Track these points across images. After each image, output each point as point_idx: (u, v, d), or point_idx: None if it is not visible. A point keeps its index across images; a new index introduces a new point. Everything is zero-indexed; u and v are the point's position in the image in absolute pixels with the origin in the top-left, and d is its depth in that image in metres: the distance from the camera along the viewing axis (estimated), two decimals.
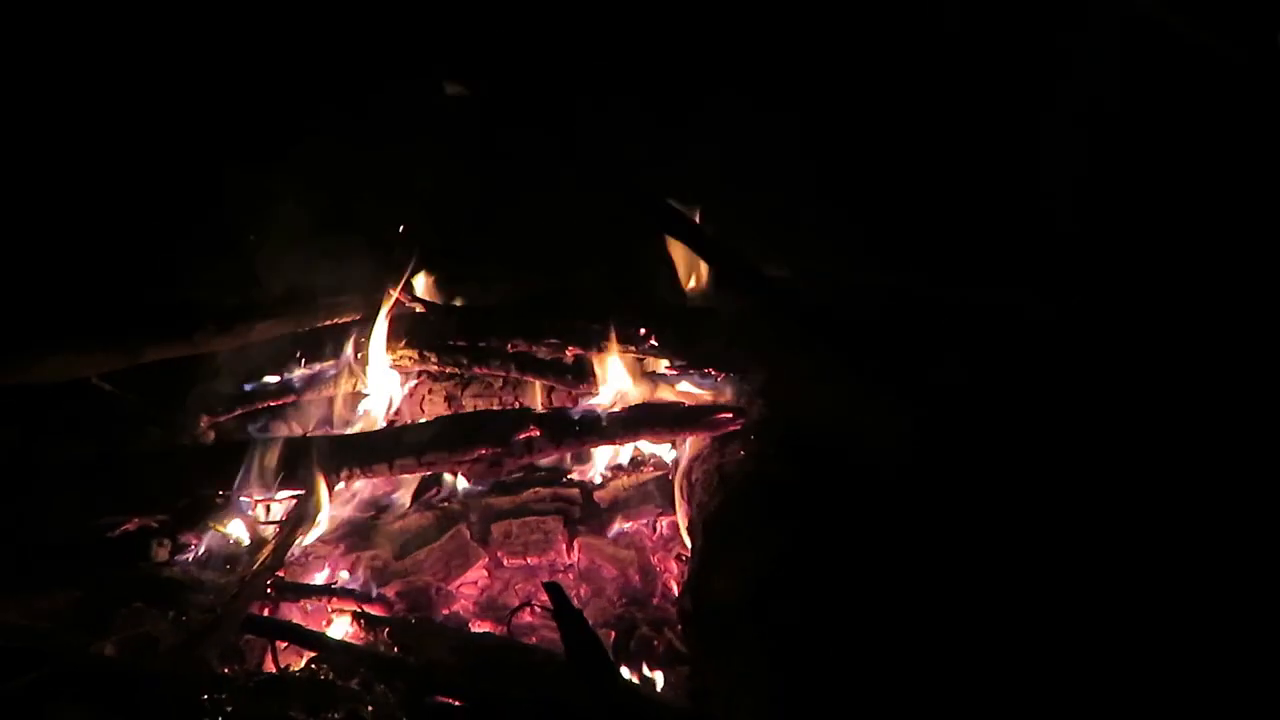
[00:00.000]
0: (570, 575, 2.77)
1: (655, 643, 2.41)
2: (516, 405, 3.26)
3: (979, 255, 3.39)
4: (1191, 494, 2.11)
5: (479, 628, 2.54)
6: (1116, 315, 2.88)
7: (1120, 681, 1.71)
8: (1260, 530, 1.99)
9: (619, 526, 2.92)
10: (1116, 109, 3.29)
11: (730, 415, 2.66)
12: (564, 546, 2.84)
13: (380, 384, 3.08)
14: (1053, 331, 2.83)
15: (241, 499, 2.62)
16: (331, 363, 3.11)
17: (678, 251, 3.16)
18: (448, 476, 3.01)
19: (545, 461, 2.95)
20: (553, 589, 2.05)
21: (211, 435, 3.04)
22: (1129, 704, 1.70)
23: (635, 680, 2.27)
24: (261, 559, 2.35)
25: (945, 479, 2.23)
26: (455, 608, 2.65)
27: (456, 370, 3.09)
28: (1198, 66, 3.17)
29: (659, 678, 2.29)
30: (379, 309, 3.06)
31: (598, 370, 3.04)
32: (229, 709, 1.66)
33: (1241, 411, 2.33)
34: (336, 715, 1.66)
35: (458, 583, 2.74)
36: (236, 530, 2.67)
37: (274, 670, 2.16)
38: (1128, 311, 2.88)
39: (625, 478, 3.05)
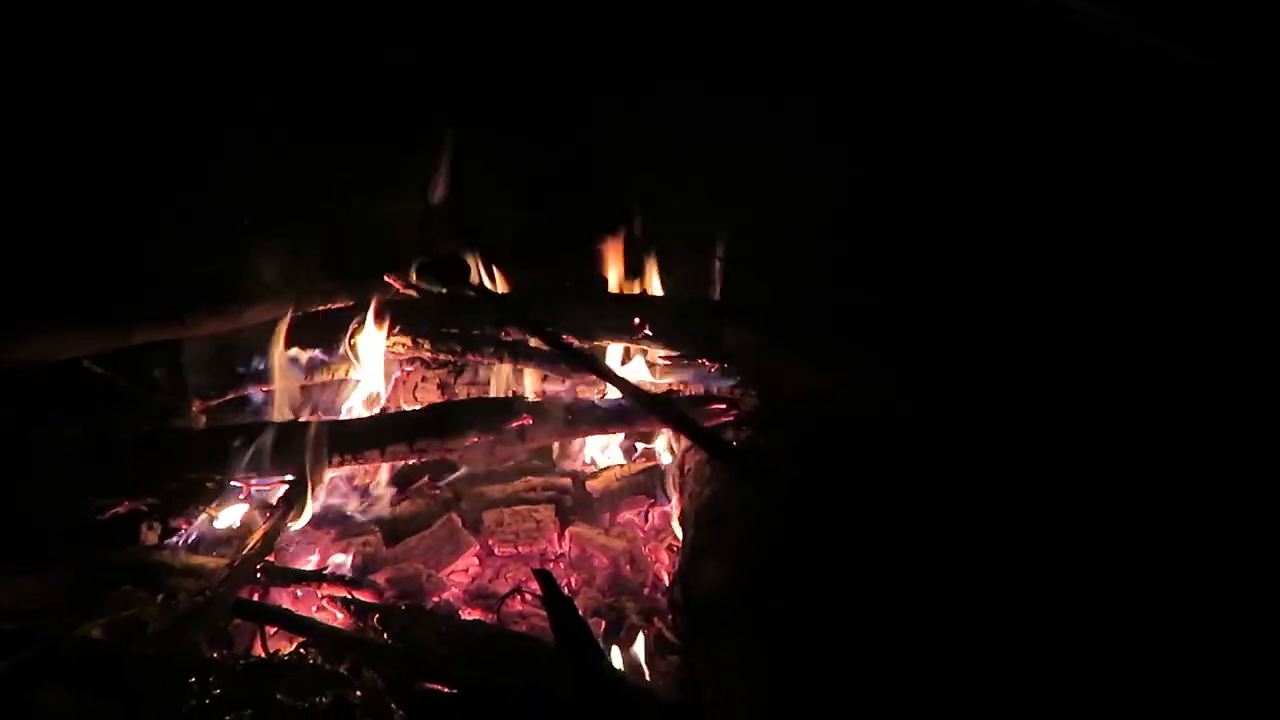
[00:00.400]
0: (561, 564, 2.77)
1: (645, 632, 2.41)
2: (509, 393, 3.25)
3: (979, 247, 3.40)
4: (1192, 495, 2.11)
5: (469, 615, 2.54)
6: (1117, 310, 2.88)
7: (1119, 679, 1.71)
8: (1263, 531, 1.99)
9: (611, 517, 2.92)
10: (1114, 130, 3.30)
11: (724, 405, 2.66)
12: (555, 536, 2.84)
13: (373, 370, 3.07)
14: (1053, 327, 2.84)
15: (233, 483, 2.62)
16: (325, 348, 3.10)
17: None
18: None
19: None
20: (543, 576, 2.05)
21: (203, 419, 3.03)
22: (1126, 701, 1.70)
23: (624, 669, 2.27)
24: (251, 544, 2.35)
25: (942, 470, 2.23)
26: (446, 595, 2.64)
27: (450, 358, 3.08)
28: (1197, 87, 3.19)
29: (647, 667, 2.29)
30: (373, 295, 3.05)
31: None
32: (216, 692, 1.66)
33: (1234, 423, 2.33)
34: (324, 699, 1.66)
35: (448, 570, 2.73)
36: (227, 515, 2.67)
37: (262, 655, 2.16)
38: (1131, 306, 2.89)
39: (618, 468, 3.05)
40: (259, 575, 2.41)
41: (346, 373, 3.12)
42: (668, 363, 2.97)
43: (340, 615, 2.40)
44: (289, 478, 2.58)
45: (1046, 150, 3.38)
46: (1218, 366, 2.51)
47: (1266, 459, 2.18)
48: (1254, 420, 2.31)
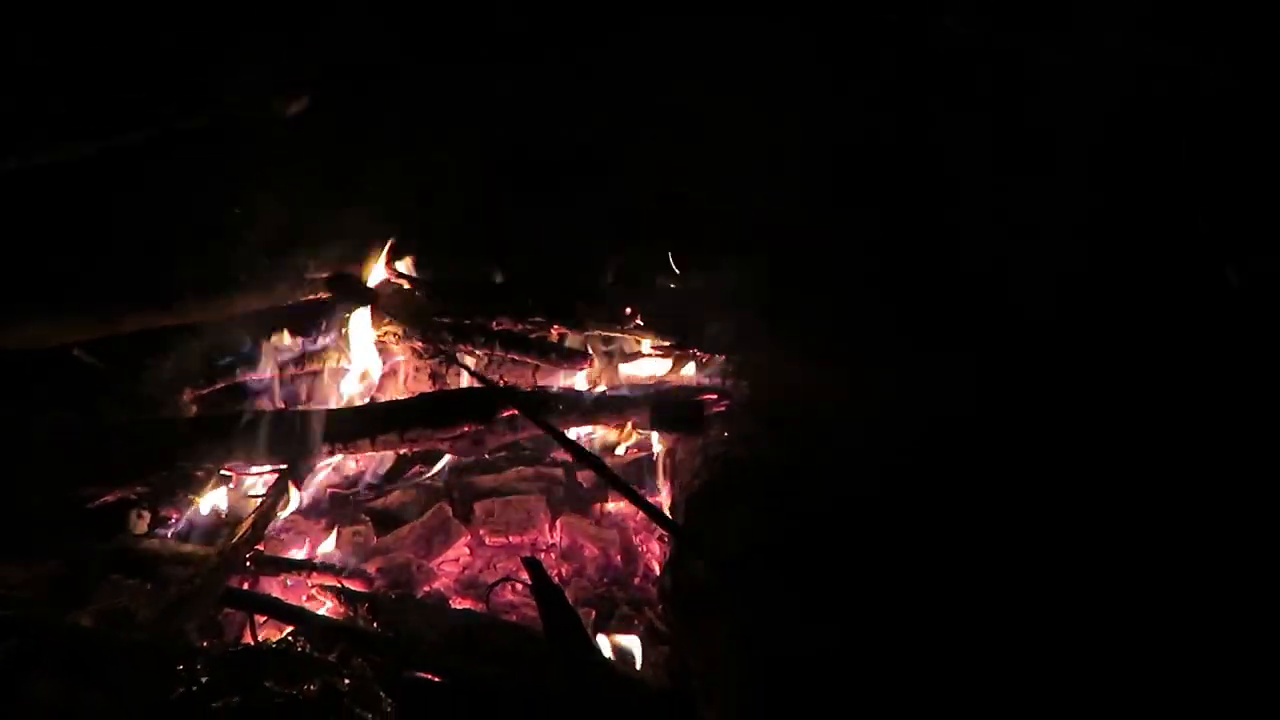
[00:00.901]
0: (552, 554, 2.77)
1: (636, 621, 2.42)
2: (501, 383, 3.25)
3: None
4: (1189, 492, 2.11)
5: (460, 605, 2.54)
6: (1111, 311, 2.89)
7: (1115, 674, 1.72)
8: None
9: (602, 507, 2.92)
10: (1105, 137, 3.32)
11: (714, 396, 2.66)
12: (546, 526, 2.84)
13: (363, 360, 3.06)
14: (1051, 327, 2.85)
15: (223, 472, 2.61)
16: (315, 338, 3.09)
17: None
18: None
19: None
20: (532, 565, 2.05)
21: (193, 409, 3.02)
22: (1124, 695, 1.71)
23: (614, 659, 2.27)
24: (241, 532, 2.34)
25: (936, 467, 2.23)
26: (436, 585, 2.65)
27: (441, 348, 3.07)
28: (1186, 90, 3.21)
29: (638, 656, 2.29)
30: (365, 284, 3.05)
31: (583, 349, 3.04)
32: (204, 679, 1.65)
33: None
34: (312, 687, 1.65)
35: (439, 560, 2.73)
36: (217, 503, 2.66)
37: (251, 643, 2.16)
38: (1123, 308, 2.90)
39: (609, 458, 3.04)
40: (248, 564, 2.41)
41: (338, 362, 3.12)
42: (659, 352, 2.96)
43: (330, 604, 2.40)
44: (279, 466, 2.57)
45: (1043, 152, 3.39)
46: (1211, 366, 2.52)
47: (1259, 455, 2.19)
48: (1249, 419, 2.32)
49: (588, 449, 3.03)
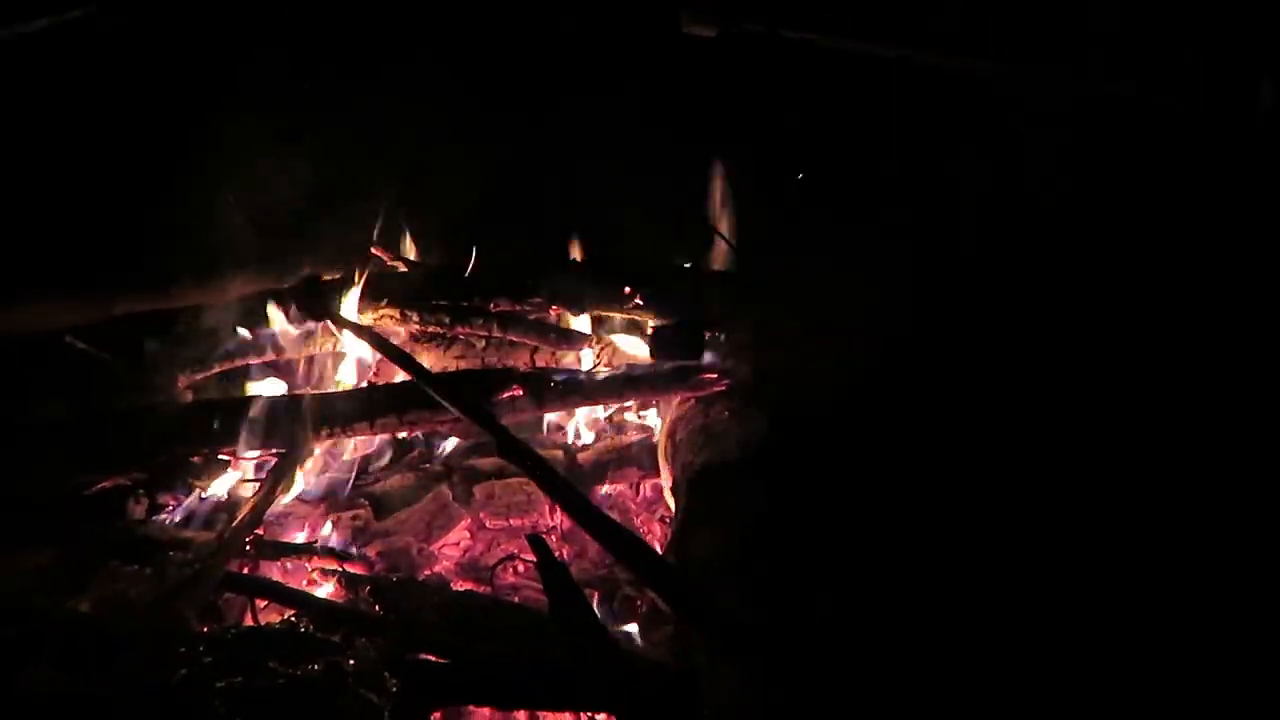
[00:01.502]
0: (553, 537, 2.76)
1: (638, 603, 2.41)
2: (500, 365, 3.22)
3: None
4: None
5: (461, 587, 2.52)
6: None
7: (1110, 660, 1.72)
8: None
9: (602, 489, 2.91)
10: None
11: (715, 376, 2.65)
12: (547, 508, 2.82)
13: (360, 343, 3.03)
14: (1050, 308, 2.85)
15: (221, 457, 2.59)
16: (311, 321, 3.07)
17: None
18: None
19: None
20: (536, 542, 2.03)
21: (189, 394, 3.00)
22: (1120, 683, 1.70)
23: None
24: (240, 517, 2.33)
25: (936, 443, 2.22)
26: (437, 568, 2.63)
27: (439, 330, 3.05)
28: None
29: (641, 637, 2.28)
30: (359, 267, 3.02)
31: (582, 330, 3.02)
32: (207, 660, 1.64)
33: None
34: (316, 667, 1.64)
35: (439, 543, 2.72)
36: (215, 489, 2.64)
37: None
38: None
39: (609, 439, 3.03)
40: (248, 548, 2.39)
41: (335, 345, 3.09)
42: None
43: (331, 588, 2.39)
44: (277, 451, 2.55)
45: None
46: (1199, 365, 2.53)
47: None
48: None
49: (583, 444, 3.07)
